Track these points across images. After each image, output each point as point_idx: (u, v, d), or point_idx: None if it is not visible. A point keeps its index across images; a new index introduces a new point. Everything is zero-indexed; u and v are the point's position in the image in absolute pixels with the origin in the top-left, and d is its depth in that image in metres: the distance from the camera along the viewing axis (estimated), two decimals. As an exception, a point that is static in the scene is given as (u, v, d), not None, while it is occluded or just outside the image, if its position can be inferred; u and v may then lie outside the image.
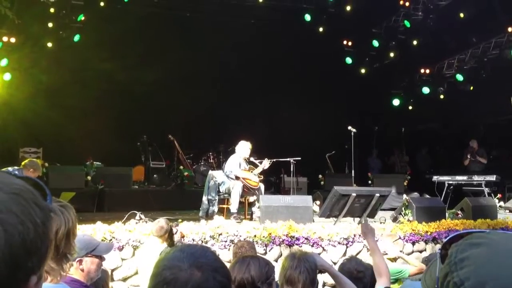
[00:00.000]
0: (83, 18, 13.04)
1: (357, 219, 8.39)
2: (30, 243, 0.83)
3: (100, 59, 12.82)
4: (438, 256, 1.01)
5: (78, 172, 11.62)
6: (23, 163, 8.02)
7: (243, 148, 9.09)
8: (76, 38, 13.02)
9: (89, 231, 6.07)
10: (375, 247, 3.70)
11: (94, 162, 12.19)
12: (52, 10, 12.34)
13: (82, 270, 2.90)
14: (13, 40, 11.99)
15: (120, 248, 6.17)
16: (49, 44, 12.66)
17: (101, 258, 3.07)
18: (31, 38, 12.40)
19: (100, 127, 13.12)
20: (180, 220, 7.13)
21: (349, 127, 10.79)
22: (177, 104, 14.27)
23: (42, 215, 0.87)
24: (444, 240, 1.03)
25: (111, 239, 6.08)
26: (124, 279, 6.14)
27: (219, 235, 6.68)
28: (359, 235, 7.26)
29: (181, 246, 1.40)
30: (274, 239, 6.84)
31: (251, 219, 8.74)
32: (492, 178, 11.41)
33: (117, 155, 13.00)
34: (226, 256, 6.08)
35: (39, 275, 0.88)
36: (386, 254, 6.33)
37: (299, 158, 10.21)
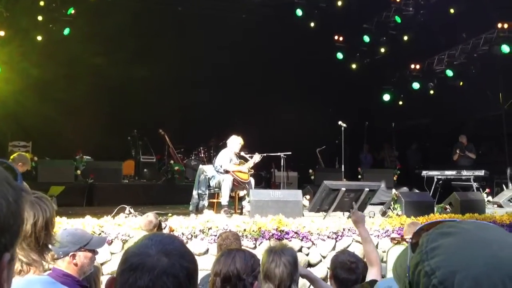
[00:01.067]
0: (73, 12, 12.97)
1: (347, 214, 8.43)
2: (3, 219, 0.84)
3: (90, 53, 12.77)
4: (409, 245, 1.02)
5: (68, 166, 11.57)
6: (12, 156, 7.97)
7: (234, 142, 9.08)
8: (66, 31, 12.96)
9: (79, 226, 6.06)
10: (367, 235, 3.75)
11: (84, 156, 12.14)
12: (41, 3, 12.28)
13: (76, 265, 2.90)
14: (2, 33, 11.92)
15: (109, 242, 6.16)
16: (39, 38, 12.60)
17: (94, 252, 3.07)
18: (20, 32, 12.32)
19: (90, 121, 13.08)
20: (169, 215, 7.13)
21: (340, 122, 10.82)
22: (168, 99, 14.26)
23: (14, 194, 0.89)
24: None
25: (100, 233, 6.07)
26: (113, 273, 6.13)
27: (209, 229, 6.68)
28: (349, 229, 7.30)
29: (150, 235, 1.41)
30: (264, 233, 6.86)
31: (241, 213, 8.76)
32: (481, 173, 11.51)
33: (107, 149, 12.98)
34: (216, 250, 6.08)
35: (11, 253, 0.89)
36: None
37: (290, 153, 10.24)
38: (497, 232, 0.96)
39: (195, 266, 1.36)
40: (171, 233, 6.27)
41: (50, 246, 1.94)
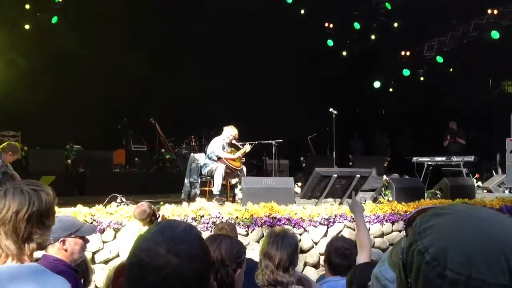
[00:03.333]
0: (60, 0, 12.82)
1: (338, 200, 8.47)
2: None
3: (79, 42, 12.65)
4: (403, 232, 1.04)
5: (58, 156, 11.52)
6: (1, 146, 7.91)
7: (229, 131, 9.05)
8: (54, 20, 12.83)
9: (70, 215, 6.04)
10: (361, 221, 3.80)
11: (74, 146, 12.08)
12: (29, -9, 12.14)
13: (66, 251, 2.90)
14: (-11, 22, 11.80)
15: (102, 231, 6.15)
16: (27, 27, 12.48)
17: (85, 240, 3.07)
18: (8, 21, 12.20)
19: (80, 111, 12.97)
20: (161, 203, 7.12)
21: (331, 109, 10.81)
22: (159, 87, 14.20)
23: None
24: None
25: (92, 222, 6.05)
26: (106, 262, 6.13)
27: (201, 217, 6.69)
28: (340, 216, 7.34)
29: (162, 226, 1.32)
30: (256, 220, 6.88)
31: (233, 201, 8.76)
32: (470, 158, 11.59)
33: (97, 139, 12.91)
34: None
35: None
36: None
37: (281, 141, 10.24)
38: (488, 211, 0.98)
39: (207, 266, 1.33)
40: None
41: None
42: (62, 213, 5.98)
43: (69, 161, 11.52)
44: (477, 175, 11.88)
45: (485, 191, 11.39)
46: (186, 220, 6.58)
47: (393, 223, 7.82)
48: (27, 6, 12.37)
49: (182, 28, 14.17)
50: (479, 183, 11.65)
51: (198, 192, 8.80)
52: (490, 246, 0.87)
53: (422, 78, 15.37)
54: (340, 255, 3.48)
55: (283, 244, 3.02)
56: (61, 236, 2.90)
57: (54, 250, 2.89)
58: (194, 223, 6.59)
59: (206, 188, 9.02)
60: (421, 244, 0.92)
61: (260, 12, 14.58)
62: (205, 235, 6.30)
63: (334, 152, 11.08)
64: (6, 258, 1.79)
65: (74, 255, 2.94)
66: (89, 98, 13.37)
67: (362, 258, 3.56)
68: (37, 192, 1.89)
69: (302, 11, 15.00)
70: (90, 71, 13.37)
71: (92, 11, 12.99)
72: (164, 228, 1.32)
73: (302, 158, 13.92)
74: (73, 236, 2.95)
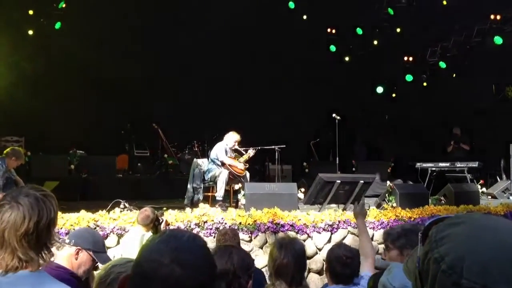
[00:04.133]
0: (64, 5, 12.86)
1: (342, 206, 8.44)
2: None
3: (82, 47, 12.68)
4: (419, 240, 1.04)
5: (61, 161, 11.53)
6: (5, 151, 7.92)
7: (231, 137, 9.05)
8: (57, 25, 12.86)
9: (73, 220, 6.03)
10: (364, 228, 3.78)
11: (77, 151, 12.08)
12: (32, -3, 12.17)
13: (76, 259, 2.88)
14: (-7, 27, 11.84)
15: (105, 237, 6.14)
16: (30, 32, 12.50)
17: (95, 263, 3.04)
18: (11, 26, 12.23)
19: (83, 116, 13.00)
20: (164, 209, 7.11)
21: (334, 115, 10.81)
22: (162, 92, 14.20)
23: None
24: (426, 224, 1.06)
25: (95, 228, 6.04)
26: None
27: (204, 222, 6.68)
28: (344, 222, 7.32)
29: (167, 236, 1.31)
30: (259, 226, 6.86)
31: (236, 206, 8.74)
32: (475, 164, 11.55)
33: (100, 144, 12.92)
34: (211, 244, 6.07)
35: None
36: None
37: (284, 146, 10.22)
38: (504, 220, 0.99)
39: (212, 278, 1.31)
40: (168, 227, 6.25)
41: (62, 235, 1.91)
42: (65, 219, 5.99)
43: (72, 166, 11.53)
44: (481, 181, 11.84)
45: (490, 197, 11.35)
46: (190, 226, 6.57)
47: (397, 229, 7.78)
48: (31, 12, 12.40)
49: (185, 32, 14.18)
50: (484, 189, 11.61)
51: (201, 197, 8.78)
52: (505, 255, 0.88)
53: (425, 83, 15.35)
54: (341, 263, 3.41)
55: (293, 256, 2.99)
56: (81, 246, 2.89)
57: (64, 255, 2.87)
58: (197, 229, 6.58)
59: (209, 194, 9.01)
60: (437, 252, 0.93)
61: (262, 17, 14.59)
62: (208, 241, 6.30)
63: (337, 158, 11.06)
64: (26, 268, 1.78)
65: (80, 268, 2.92)
66: (92, 103, 13.40)
67: (366, 267, 3.53)
68: (48, 199, 1.89)
69: (305, 17, 15.01)
70: (93, 76, 13.41)
71: (94, 15, 13.01)
72: (169, 237, 1.31)
73: (305, 164, 13.91)
74: (90, 252, 2.94)
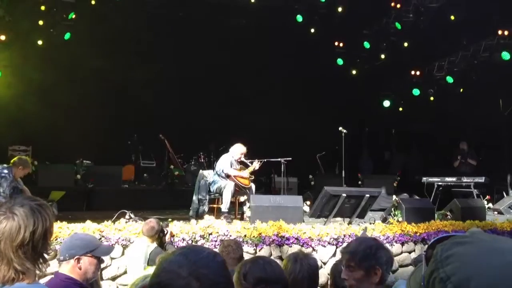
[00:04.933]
0: (74, 16, 12.97)
1: (347, 220, 8.41)
2: None
3: (91, 58, 12.77)
4: (423, 258, 1.03)
5: (68, 171, 11.58)
6: (12, 160, 7.96)
7: (237, 149, 9.06)
8: (67, 36, 12.96)
9: (79, 230, 6.04)
10: None
11: (84, 161, 12.13)
12: (42, 7, 12.27)
13: (80, 269, 2.89)
14: (3, 37, 11.93)
15: (110, 247, 6.14)
16: (40, 42, 12.61)
17: (100, 260, 3.06)
18: (21, 36, 12.33)
19: (91, 126, 13.06)
20: (170, 220, 7.11)
21: (340, 128, 10.80)
22: (168, 104, 14.25)
23: None
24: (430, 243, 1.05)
25: (100, 238, 6.04)
26: (113, 279, 6.11)
27: (209, 234, 6.67)
28: (349, 235, 7.28)
29: (187, 250, 1.33)
30: (264, 239, 6.84)
31: (241, 218, 8.73)
32: (481, 179, 11.49)
33: (107, 154, 12.96)
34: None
35: None
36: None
37: (290, 159, 10.21)
38: (510, 241, 0.97)
39: None
40: (172, 238, 6.25)
41: (56, 247, 1.91)
42: (71, 229, 6.00)
43: (78, 176, 11.56)
44: (488, 197, 11.76)
45: (496, 212, 11.27)
46: (194, 238, 6.56)
47: (402, 244, 7.75)
48: (41, 22, 12.50)
49: (192, 44, 14.26)
50: (490, 204, 11.53)
51: (206, 209, 8.77)
52: None
53: (432, 98, 15.33)
54: None
55: (307, 271, 2.98)
56: (77, 254, 2.90)
57: (68, 268, 2.89)
58: (202, 241, 6.57)
59: (215, 206, 9.00)
60: (443, 272, 0.92)
61: (270, 30, 14.65)
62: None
63: (343, 171, 11.04)
64: (23, 280, 1.77)
65: (87, 274, 2.93)
66: (100, 113, 13.47)
67: None
68: (43, 208, 1.89)
69: (312, 30, 15.06)
70: (101, 87, 13.51)
71: (103, 26, 13.12)
72: (189, 251, 1.32)
73: (311, 176, 13.88)
74: (89, 255, 2.94)
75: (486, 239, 0.97)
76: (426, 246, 7.57)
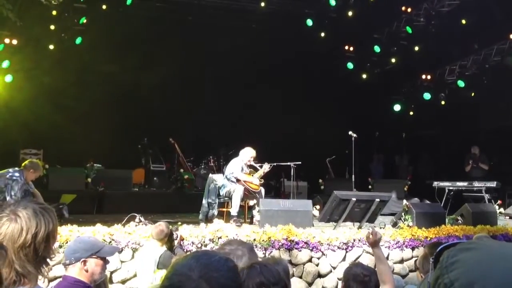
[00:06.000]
0: (85, 21, 13.07)
1: (357, 224, 8.38)
2: None
3: (102, 62, 12.86)
4: (431, 265, 1.04)
5: (79, 174, 11.64)
6: (23, 164, 8.01)
7: (247, 153, 9.07)
8: (78, 40, 13.07)
9: (89, 234, 6.07)
10: (381, 255, 3.73)
11: (95, 164, 12.19)
12: (54, 12, 12.35)
13: (87, 271, 2.93)
14: (15, 42, 12.05)
15: (119, 251, 6.16)
16: (51, 47, 12.71)
17: (105, 261, 3.08)
18: (33, 40, 12.44)
19: (101, 129, 13.13)
20: (179, 223, 7.12)
21: (350, 132, 10.78)
22: (179, 107, 14.31)
23: None
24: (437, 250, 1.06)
25: (110, 242, 6.07)
26: (123, 282, 6.13)
27: (219, 238, 6.67)
28: (359, 240, 7.25)
29: (199, 253, 1.36)
30: (274, 243, 6.84)
31: (251, 222, 8.73)
32: (493, 184, 11.40)
33: (117, 158, 13.02)
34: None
35: None
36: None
37: (300, 163, 10.19)
38: None
39: None
40: (182, 242, 6.26)
41: (61, 252, 1.91)
42: (81, 232, 6.03)
43: (89, 179, 11.62)
44: (499, 201, 11.66)
45: (507, 217, 11.17)
46: (204, 242, 6.57)
47: (413, 249, 7.71)
48: (52, 27, 12.60)
49: (201, 48, 14.31)
50: (501, 209, 11.43)
51: (216, 213, 8.78)
52: None
53: (443, 102, 15.25)
54: (359, 282, 3.38)
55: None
56: (82, 256, 2.93)
57: (75, 271, 2.91)
58: (211, 245, 6.57)
59: (224, 209, 9.00)
60: (447, 278, 0.93)
61: (280, 35, 14.68)
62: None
63: (353, 175, 11.01)
64: (25, 284, 1.77)
65: (94, 275, 2.96)
66: (110, 117, 13.55)
67: None
68: (47, 212, 1.90)
69: (323, 34, 15.06)
70: (112, 90, 13.59)
71: (114, 31, 13.21)
72: (201, 255, 1.34)
73: (320, 181, 13.85)
74: (94, 256, 2.97)
75: (491, 245, 0.98)
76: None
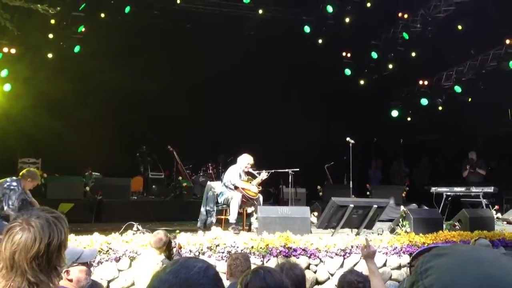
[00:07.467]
0: (83, 29, 13.11)
1: (355, 230, 8.40)
2: None
3: (100, 70, 12.88)
4: (408, 269, 1.06)
5: (77, 183, 11.62)
6: (21, 173, 8.02)
7: (245, 159, 9.08)
8: (77, 49, 13.10)
9: (87, 242, 6.08)
10: (375, 269, 3.75)
11: (93, 173, 12.18)
12: (52, 21, 12.37)
13: (71, 281, 2.91)
14: (13, 51, 12.08)
15: (117, 259, 6.17)
16: (50, 55, 12.74)
17: (88, 265, 3.08)
18: (31, 49, 12.47)
19: (99, 138, 13.14)
20: (177, 231, 7.14)
21: (348, 138, 10.80)
22: (177, 115, 14.34)
23: None
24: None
25: (107, 250, 6.08)
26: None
27: (217, 246, 6.68)
28: (357, 247, 7.27)
29: (178, 266, 1.29)
30: (271, 250, 6.85)
31: (249, 230, 8.74)
32: (490, 189, 11.42)
33: (116, 166, 13.01)
34: (223, 268, 6.07)
35: None
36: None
37: (298, 169, 10.21)
38: (489, 253, 1.00)
39: None
40: (180, 250, 6.27)
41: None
42: (79, 241, 6.04)
43: (87, 188, 11.61)
44: (496, 207, 11.68)
45: (505, 222, 11.19)
46: (202, 249, 6.58)
47: (410, 255, 7.71)
48: (51, 36, 12.63)
49: (200, 56, 14.35)
50: (499, 214, 11.45)
51: (214, 220, 8.79)
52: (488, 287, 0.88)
53: (440, 108, 15.29)
54: None
55: (294, 282, 3.00)
56: (64, 267, 2.92)
57: (61, 282, 2.91)
58: (209, 253, 6.58)
59: (222, 217, 9.01)
60: (422, 284, 0.94)
61: (278, 41, 14.73)
62: (220, 265, 6.30)
63: (351, 181, 11.02)
64: None
65: (80, 282, 2.95)
66: (108, 125, 13.58)
67: None
68: (59, 221, 1.91)
69: (320, 41, 15.11)
70: (110, 99, 13.62)
71: (113, 39, 13.25)
72: (179, 268, 1.28)
73: (319, 187, 13.86)
74: (75, 264, 2.96)
75: (465, 250, 0.99)
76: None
